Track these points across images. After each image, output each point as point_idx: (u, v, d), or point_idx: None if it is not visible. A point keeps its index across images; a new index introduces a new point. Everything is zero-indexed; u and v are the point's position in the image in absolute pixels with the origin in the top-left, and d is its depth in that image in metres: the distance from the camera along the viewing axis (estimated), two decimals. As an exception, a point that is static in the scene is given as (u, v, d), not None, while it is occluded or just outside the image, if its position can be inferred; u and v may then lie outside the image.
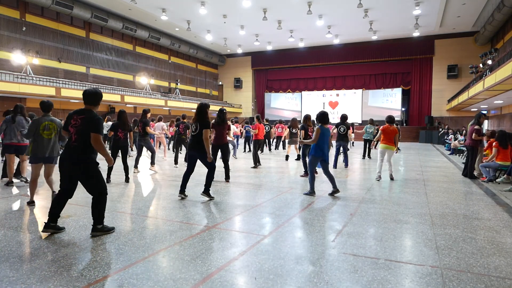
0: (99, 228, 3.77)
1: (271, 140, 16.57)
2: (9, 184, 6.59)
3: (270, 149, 15.67)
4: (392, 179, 7.82)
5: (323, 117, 5.97)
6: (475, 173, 8.31)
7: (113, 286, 2.59)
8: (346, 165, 10.08)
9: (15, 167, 6.89)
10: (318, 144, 5.84)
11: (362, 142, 13.48)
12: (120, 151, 7.52)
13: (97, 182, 3.77)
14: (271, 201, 5.57)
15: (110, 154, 3.94)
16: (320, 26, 23.43)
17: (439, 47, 27.12)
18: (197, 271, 2.87)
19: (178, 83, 28.58)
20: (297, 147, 11.77)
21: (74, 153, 3.68)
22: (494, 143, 7.84)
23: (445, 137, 21.84)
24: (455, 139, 15.75)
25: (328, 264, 3.05)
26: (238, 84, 34.52)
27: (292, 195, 6.02)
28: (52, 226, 3.77)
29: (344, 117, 10.22)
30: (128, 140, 7.70)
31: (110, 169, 7.31)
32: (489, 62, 18.30)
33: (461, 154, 13.84)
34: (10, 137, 6.37)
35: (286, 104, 33.12)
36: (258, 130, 10.68)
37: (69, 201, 5.37)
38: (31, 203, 5.16)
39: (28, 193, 5.33)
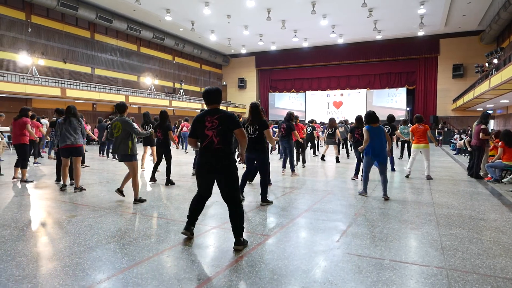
0: (242, 242, 3.39)
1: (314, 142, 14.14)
2: (63, 188, 6.31)
3: (314, 153, 14.45)
4: (429, 178, 7.90)
5: (370, 117, 6.01)
6: (481, 173, 8.24)
7: (118, 286, 2.61)
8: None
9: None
10: (370, 144, 5.88)
11: (400, 143, 13.39)
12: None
13: (236, 190, 3.45)
14: (275, 201, 5.56)
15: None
16: (324, 25, 23.36)
17: (444, 46, 26.94)
18: (202, 271, 2.88)
19: (182, 84, 28.66)
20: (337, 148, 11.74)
21: (217, 157, 3.38)
22: (499, 143, 7.77)
23: (438, 136, 21.74)
24: (461, 139, 15.64)
25: (332, 264, 3.04)
26: (242, 84, 34.54)
27: (296, 195, 6.02)
28: (192, 229, 3.66)
29: (390, 118, 9.55)
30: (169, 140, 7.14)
31: (156, 168, 7.33)
32: (495, 61, 18.16)
33: (466, 154, 13.73)
34: (64, 140, 6.14)
35: (290, 104, 33.07)
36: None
37: (74, 200, 5.44)
38: (137, 201, 5.31)
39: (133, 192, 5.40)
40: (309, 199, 5.71)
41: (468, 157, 10.16)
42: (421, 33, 24.83)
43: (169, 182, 6.95)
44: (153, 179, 7.25)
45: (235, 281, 2.69)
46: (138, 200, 5.29)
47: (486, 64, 20.24)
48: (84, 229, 3.96)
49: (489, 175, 7.93)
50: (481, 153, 8.12)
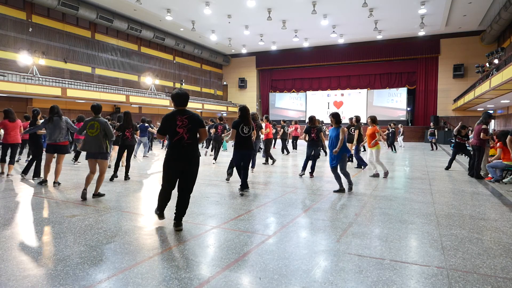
0: (181, 224, 4.05)
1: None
2: (43, 183, 6.75)
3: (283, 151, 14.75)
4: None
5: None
6: (482, 173, 8.24)
7: (119, 285, 2.61)
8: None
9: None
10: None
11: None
12: (126, 149, 7.85)
13: (195, 181, 4.08)
14: (275, 201, 5.57)
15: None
16: (325, 25, 23.37)
17: (445, 46, 26.93)
18: (202, 271, 2.88)
19: (183, 83, 28.68)
20: None
21: (189, 151, 3.95)
22: (498, 143, 7.78)
23: (431, 138, 21.55)
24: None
25: (333, 264, 3.04)
26: (242, 84, 34.55)
27: (296, 195, 6.01)
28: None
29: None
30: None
31: (117, 166, 7.67)
32: (496, 61, 18.14)
33: (451, 145, 13.79)
34: (50, 137, 6.64)
35: (290, 104, 33.08)
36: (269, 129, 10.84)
37: (76, 200, 5.44)
38: (97, 195, 5.64)
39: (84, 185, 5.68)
40: (310, 199, 5.70)
41: (454, 150, 10.29)
42: (421, 33, 24.82)
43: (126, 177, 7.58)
44: (126, 177, 7.66)
45: (235, 281, 2.69)
46: (97, 195, 5.65)
47: (487, 64, 20.22)
48: (84, 229, 3.96)
49: (489, 175, 7.93)
50: (481, 153, 8.11)
